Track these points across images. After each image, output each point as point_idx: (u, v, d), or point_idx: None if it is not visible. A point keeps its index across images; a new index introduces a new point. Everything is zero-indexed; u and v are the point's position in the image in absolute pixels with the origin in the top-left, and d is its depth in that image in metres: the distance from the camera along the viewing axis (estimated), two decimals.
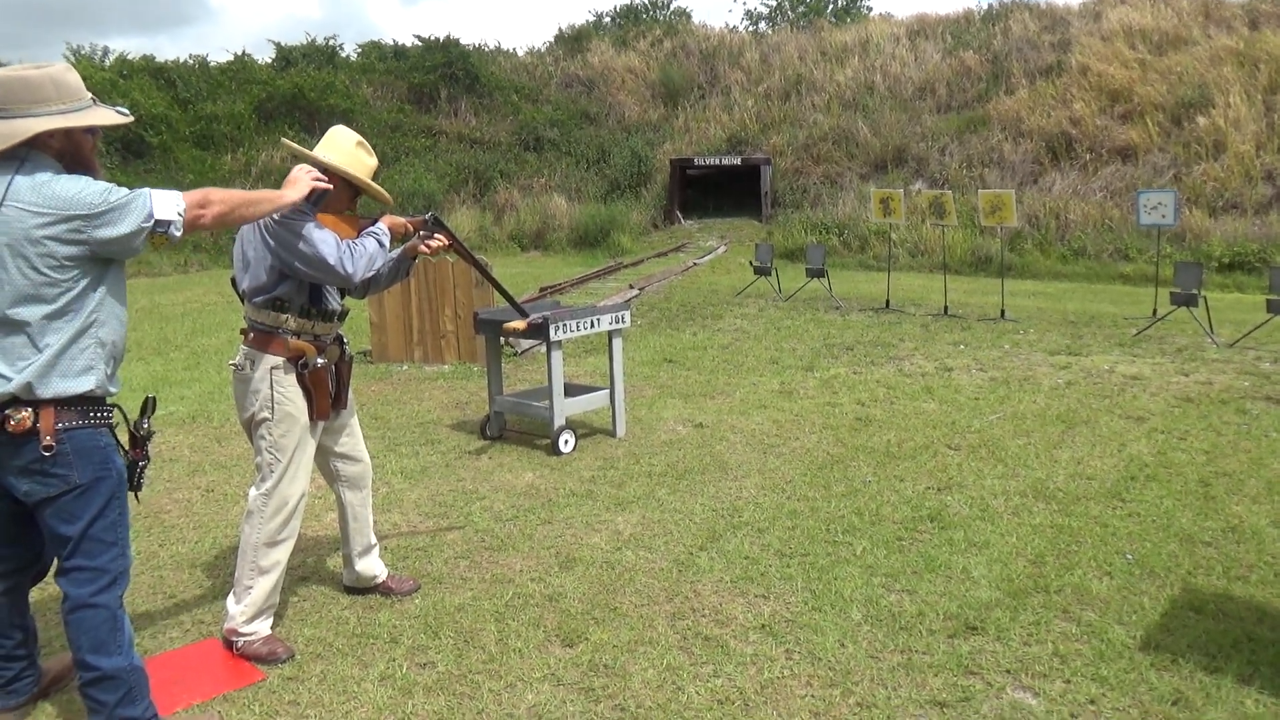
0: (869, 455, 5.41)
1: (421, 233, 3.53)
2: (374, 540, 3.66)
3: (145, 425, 2.69)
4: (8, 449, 2.40)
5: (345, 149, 3.31)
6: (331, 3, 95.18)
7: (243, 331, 3.27)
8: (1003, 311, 10.69)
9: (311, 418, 3.24)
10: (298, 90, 25.28)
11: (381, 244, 3.30)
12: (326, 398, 3.28)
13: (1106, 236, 17.90)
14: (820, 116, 25.60)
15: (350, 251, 3.14)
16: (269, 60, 28.43)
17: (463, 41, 29.70)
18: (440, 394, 7.32)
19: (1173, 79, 20.68)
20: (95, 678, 2.53)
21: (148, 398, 2.74)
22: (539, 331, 5.38)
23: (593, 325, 5.60)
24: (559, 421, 5.45)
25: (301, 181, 2.97)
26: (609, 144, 26.94)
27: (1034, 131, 21.51)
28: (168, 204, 2.44)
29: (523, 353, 8.56)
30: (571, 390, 6.11)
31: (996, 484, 4.86)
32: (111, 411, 2.55)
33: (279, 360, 3.17)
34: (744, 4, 71.95)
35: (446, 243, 3.54)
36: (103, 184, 2.41)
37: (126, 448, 2.64)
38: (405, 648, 3.22)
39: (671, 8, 36.36)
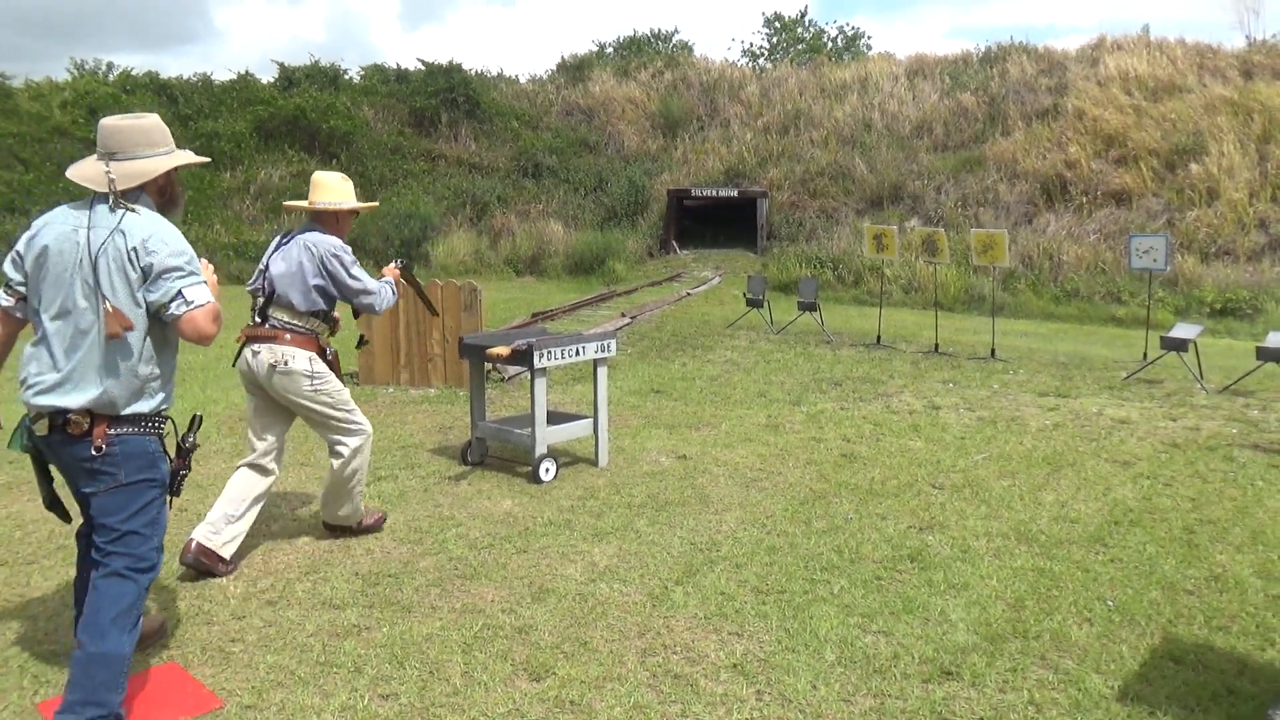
0: (852, 492, 5.36)
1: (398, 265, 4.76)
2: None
3: (191, 439, 3.18)
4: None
5: (345, 189, 4.41)
6: (335, 26, 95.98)
7: (267, 336, 4.13)
8: (993, 351, 10.68)
9: None
10: (300, 111, 25.42)
11: (394, 291, 4.51)
12: (340, 377, 4.37)
13: (1099, 279, 17.98)
14: (818, 152, 25.78)
15: (380, 290, 4.39)
16: (272, 80, 28.59)
17: (465, 67, 29.90)
18: (424, 418, 7.27)
19: (1167, 126, 20.88)
20: (101, 654, 2.73)
21: (195, 415, 3.29)
22: (523, 358, 5.34)
23: (578, 353, 5.56)
24: (540, 449, 5.40)
25: (213, 284, 3.10)
26: (607, 172, 27.08)
27: (1029, 173, 21.67)
28: (200, 291, 2.88)
29: (509, 379, 8.52)
30: (555, 418, 6.07)
31: (979, 525, 4.81)
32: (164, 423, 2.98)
33: (313, 353, 4.19)
34: (741, 42, 72.68)
35: (397, 273, 4.67)
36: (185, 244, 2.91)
37: (173, 456, 3.07)
38: (369, 678, 3.15)
39: (674, 40, 36.70)
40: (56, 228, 2.86)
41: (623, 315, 13.58)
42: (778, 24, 38.34)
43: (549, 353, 5.35)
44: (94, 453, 2.78)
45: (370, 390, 8.20)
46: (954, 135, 24.81)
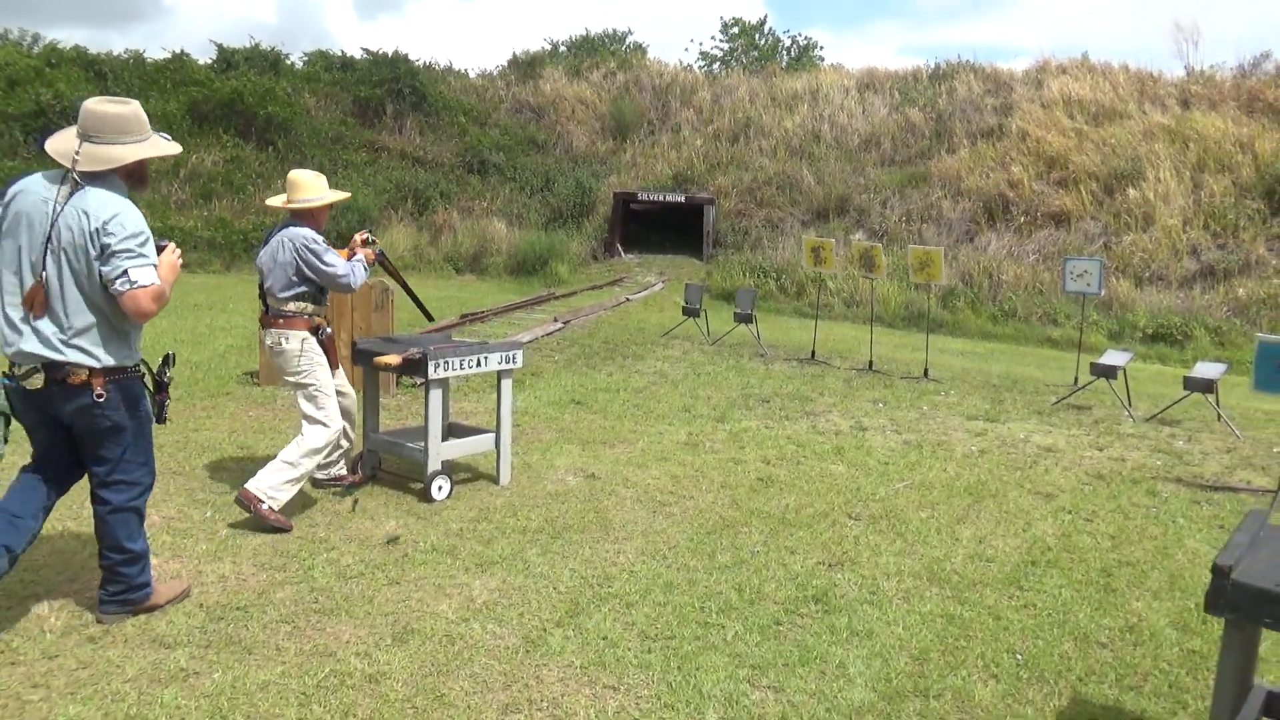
0: (763, 521, 5.07)
1: (365, 242, 5.13)
2: (346, 446, 5.21)
3: (166, 374, 3.53)
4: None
5: (319, 185, 4.92)
6: (289, 10, 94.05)
7: (268, 321, 4.80)
8: (926, 370, 10.53)
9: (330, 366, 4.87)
10: (236, 95, 24.53)
11: (365, 268, 4.95)
12: (335, 354, 4.95)
13: (1036, 299, 18.06)
14: (766, 161, 25.67)
15: (352, 270, 4.83)
16: (210, 61, 27.63)
17: (414, 59, 29.24)
18: None
19: (1106, 150, 21.13)
20: (126, 558, 3.41)
21: (168, 353, 3.62)
22: (416, 368, 4.96)
23: (479, 364, 5.19)
24: (433, 465, 5.02)
25: (172, 265, 3.43)
26: (554, 172, 26.66)
27: (973, 191, 21.76)
28: (146, 272, 3.19)
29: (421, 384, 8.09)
30: (457, 431, 5.69)
31: (891, 562, 4.54)
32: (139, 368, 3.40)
33: (305, 333, 4.75)
34: (700, 45, 72.72)
35: (373, 257, 5.10)
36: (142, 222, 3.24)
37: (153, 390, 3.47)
38: None
39: (628, 42, 36.40)
40: (30, 194, 3.19)
41: (555, 320, 13.20)
42: (736, 29, 38.25)
43: (445, 363, 4.97)
44: (96, 399, 3.21)
45: (270, 391, 7.71)
46: (901, 150, 24.88)
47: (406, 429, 5.89)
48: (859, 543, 4.80)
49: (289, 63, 28.95)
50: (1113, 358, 9.09)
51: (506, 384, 5.40)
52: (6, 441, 3.49)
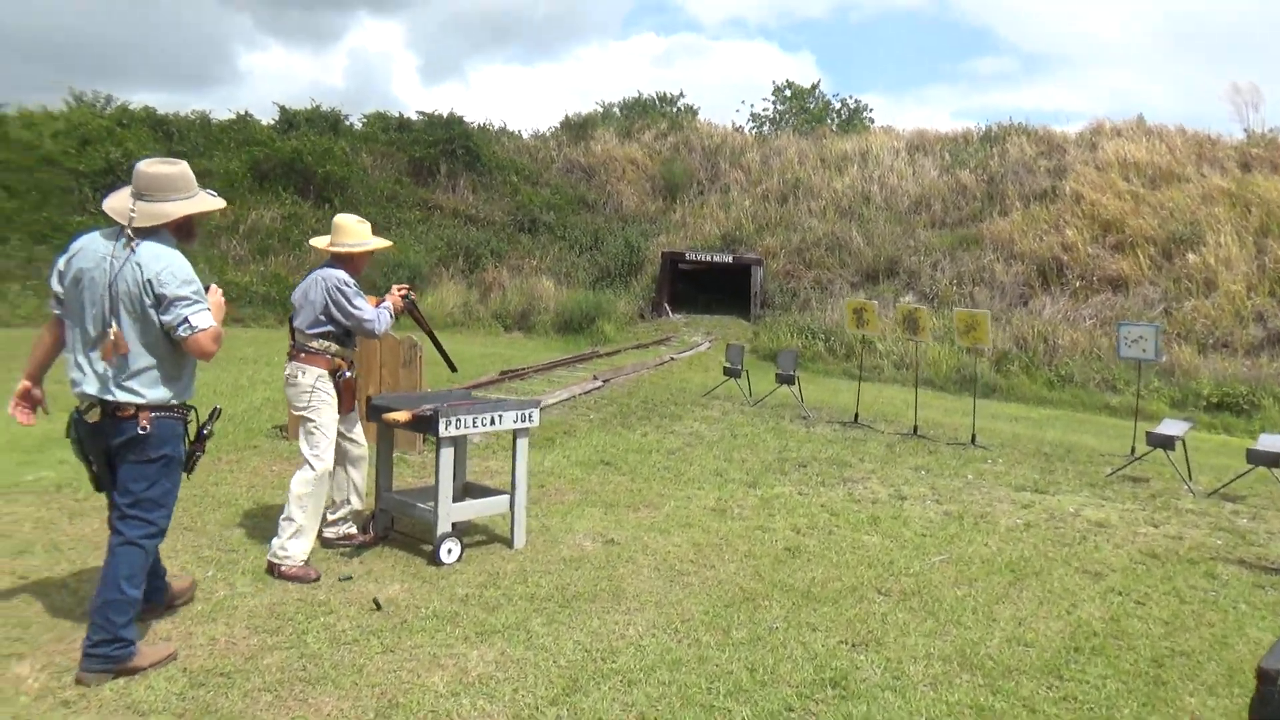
0: (786, 594, 4.80)
1: (402, 296, 5.13)
2: (357, 505, 5.16)
3: (208, 427, 3.79)
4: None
5: (363, 231, 5.01)
6: (356, 76, 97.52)
7: (294, 352, 4.82)
8: (973, 437, 10.15)
9: (339, 410, 4.83)
10: (296, 154, 25.27)
11: (391, 315, 4.95)
12: (350, 398, 4.90)
13: (1094, 365, 17.51)
14: (815, 222, 25.57)
15: (378, 317, 4.84)
16: (272, 122, 28.55)
17: (468, 120, 29.89)
18: None
19: (1164, 214, 20.63)
20: (119, 600, 3.43)
21: (215, 408, 3.89)
22: (426, 425, 4.83)
23: (493, 422, 5.05)
24: (443, 528, 4.86)
25: (219, 305, 3.74)
26: (604, 231, 26.85)
27: (1026, 254, 21.37)
28: (203, 317, 3.50)
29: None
30: (474, 491, 5.54)
31: (920, 643, 4.24)
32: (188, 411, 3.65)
33: (322, 371, 4.76)
34: (750, 107, 73.48)
35: (402, 308, 5.09)
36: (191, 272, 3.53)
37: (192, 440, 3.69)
38: None
39: (679, 104, 36.84)
40: (90, 252, 3.49)
41: (595, 378, 13.08)
42: (788, 92, 38.50)
43: (457, 420, 4.84)
44: (139, 432, 3.46)
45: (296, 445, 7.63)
46: (952, 212, 24.61)
47: (420, 488, 5.75)
48: (886, 621, 4.50)
49: (348, 123, 29.78)
50: (1170, 427, 8.65)
51: (522, 443, 5.24)
52: (100, 475, 3.65)
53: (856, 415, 11.25)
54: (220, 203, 3.76)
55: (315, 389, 4.74)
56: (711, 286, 26.33)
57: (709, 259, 25.28)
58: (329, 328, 4.81)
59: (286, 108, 29.07)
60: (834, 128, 33.05)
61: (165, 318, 3.42)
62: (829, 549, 5.70)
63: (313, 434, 4.76)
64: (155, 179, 3.53)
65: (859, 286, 22.87)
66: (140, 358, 3.46)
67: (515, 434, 5.23)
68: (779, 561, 5.37)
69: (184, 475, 3.69)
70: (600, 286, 24.70)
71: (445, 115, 29.24)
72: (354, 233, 4.99)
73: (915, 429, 10.56)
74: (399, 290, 5.14)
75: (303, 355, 4.81)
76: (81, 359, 3.48)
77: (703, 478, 7.51)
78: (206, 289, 3.60)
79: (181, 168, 3.63)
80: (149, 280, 3.39)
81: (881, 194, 26.12)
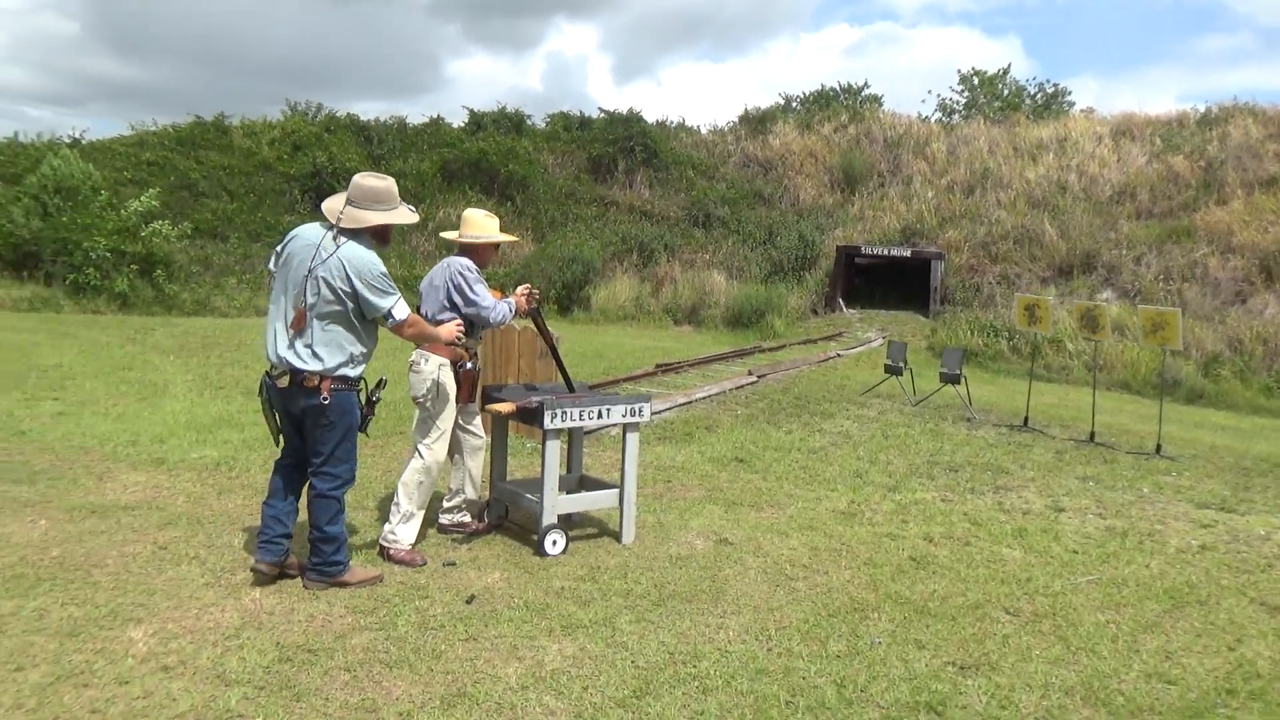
0: (898, 607, 4.49)
1: (525, 302, 5.11)
2: (471, 495, 5.24)
3: (377, 394, 4.37)
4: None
5: (490, 225, 5.14)
6: (553, 78, 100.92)
7: None
8: (1159, 446, 9.21)
9: (458, 400, 4.93)
10: (482, 154, 26.41)
11: (512, 309, 4.99)
12: (470, 389, 4.96)
13: None
14: (1004, 213, 24.14)
15: (495, 306, 4.91)
16: (462, 124, 29.96)
17: (646, 117, 30.20)
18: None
19: None
20: (322, 536, 4.19)
21: (382, 378, 4.46)
22: (531, 416, 4.86)
23: (601, 415, 5.01)
24: (548, 519, 4.87)
25: (449, 331, 4.67)
26: (778, 225, 26.45)
27: (1246, 247, 19.28)
28: (401, 308, 4.16)
29: (589, 433, 8.04)
30: (589, 484, 5.54)
31: (1041, 671, 3.84)
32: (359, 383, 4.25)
33: (445, 360, 4.83)
34: (938, 95, 70.10)
35: (525, 309, 5.11)
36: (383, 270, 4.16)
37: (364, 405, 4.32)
38: None
39: (863, 95, 35.72)
40: (302, 239, 4.13)
41: (750, 373, 12.87)
42: (975, 80, 36.54)
43: (563, 413, 4.84)
44: (321, 401, 4.05)
45: None
46: (1160, 202, 22.56)
47: (530, 480, 5.80)
48: (1007, 644, 4.12)
49: (530, 124, 30.80)
50: None
51: (632, 438, 5.18)
52: (280, 430, 4.30)
53: (1026, 419, 10.48)
54: (413, 218, 4.33)
55: (437, 378, 4.83)
56: (888, 281, 25.40)
57: (886, 253, 24.39)
58: (452, 314, 4.89)
59: (475, 110, 30.48)
60: (1029, 115, 31.01)
61: (368, 311, 4.07)
62: (960, 561, 5.30)
63: (427, 423, 4.88)
64: (364, 190, 4.16)
65: (1049, 282, 21.38)
66: (329, 335, 4.04)
67: (624, 428, 5.17)
68: (900, 572, 5.04)
69: (362, 434, 4.33)
70: (773, 281, 24.35)
71: (625, 113, 29.66)
72: (481, 225, 5.11)
73: (1092, 435, 9.71)
74: (524, 292, 5.15)
75: (426, 343, 4.92)
76: (280, 329, 4.08)
77: (839, 479, 7.20)
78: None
79: (388, 184, 4.24)
80: (348, 274, 3.99)
81: (1080, 183, 24.31)
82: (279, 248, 4.20)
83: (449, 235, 5.25)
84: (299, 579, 4.30)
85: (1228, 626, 4.52)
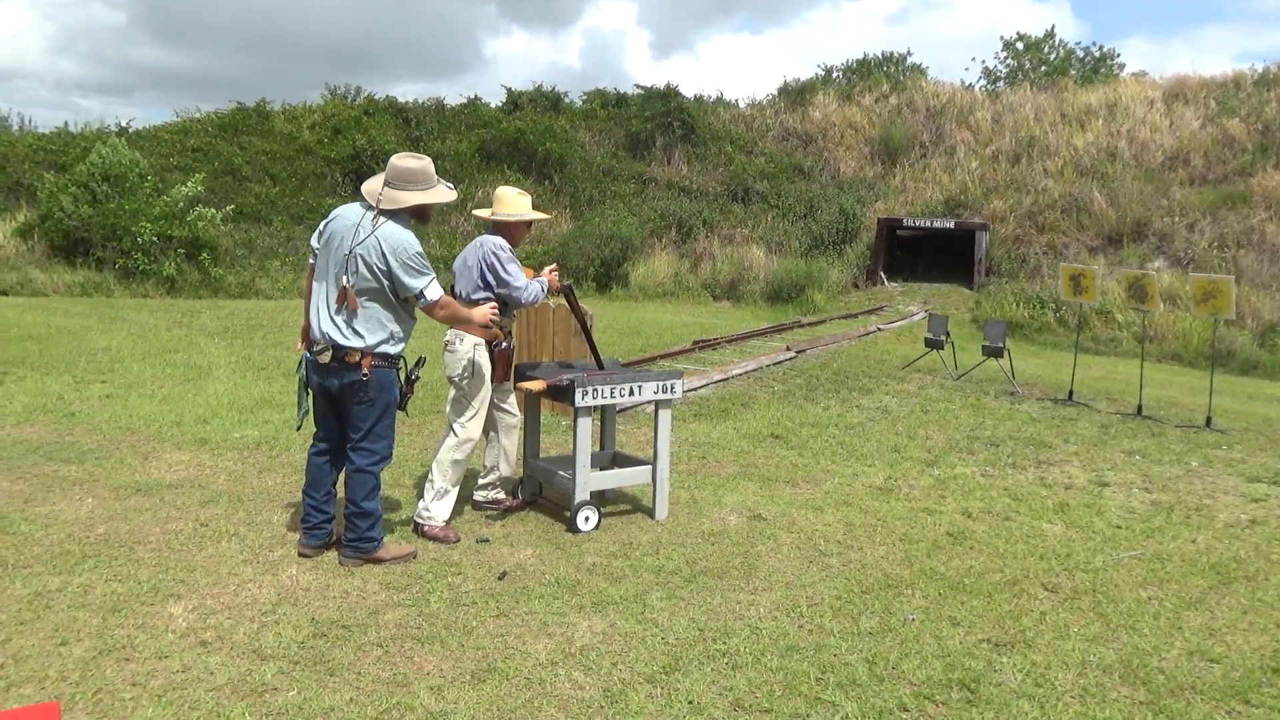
0: (933, 583, 4.43)
1: (557, 280, 5.11)
2: (505, 472, 5.26)
3: (415, 373, 4.44)
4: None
5: (522, 203, 5.11)
6: (592, 55, 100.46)
7: None
8: (1209, 419, 8.98)
9: (493, 379, 4.93)
10: (519, 133, 26.41)
11: (543, 289, 4.97)
12: (505, 368, 4.98)
13: None
14: (1051, 182, 23.62)
15: (528, 286, 4.89)
16: (499, 104, 29.95)
17: (683, 92, 29.93)
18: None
19: None
20: (358, 512, 4.27)
21: (421, 357, 4.61)
22: (562, 394, 4.86)
23: (632, 393, 5.00)
24: (580, 496, 4.88)
25: (483, 314, 4.59)
26: (818, 199, 26.15)
27: None
28: (434, 289, 4.20)
29: (620, 411, 8.04)
30: (621, 461, 5.54)
31: (1078, 649, 3.78)
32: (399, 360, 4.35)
33: (480, 340, 4.84)
34: (982, 62, 68.58)
35: (558, 288, 5.10)
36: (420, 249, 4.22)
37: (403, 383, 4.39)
38: None
39: (906, 64, 35.05)
40: (343, 219, 4.23)
41: (788, 349, 12.77)
42: (1020, 45, 35.66)
43: (594, 390, 4.83)
44: (361, 377, 4.14)
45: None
46: (1215, 167, 21.91)
47: (563, 457, 5.81)
48: (1044, 620, 4.05)
49: (567, 102, 30.69)
50: None
51: (665, 414, 5.16)
52: (308, 412, 4.44)
53: (1071, 392, 10.27)
54: (451, 196, 4.38)
55: (472, 358, 4.84)
56: (932, 254, 25.01)
57: (929, 225, 24.01)
58: (487, 294, 4.89)
59: (512, 90, 30.40)
60: (1077, 79, 30.19)
61: (402, 290, 4.13)
62: (998, 536, 5.22)
63: (462, 402, 4.91)
64: (401, 171, 4.22)
65: (1098, 251, 20.91)
66: (369, 312, 4.13)
67: (656, 405, 5.16)
68: (936, 547, 4.98)
69: (402, 413, 4.43)
70: (812, 255, 24.11)
71: (662, 89, 29.43)
72: (513, 203, 5.10)
73: (1140, 409, 9.50)
74: (552, 271, 5.13)
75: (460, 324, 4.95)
76: (322, 305, 4.19)
77: (876, 454, 7.12)
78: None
79: (424, 164, 4.29)
80: (385, 252, 4.07)
81: (1130, 149, 23.68)
82: (321, 226, 4.31)
83: (481, 213, 5.27)
84: (335, 556, 4.37)
85: (1276, 603, 4.40)
